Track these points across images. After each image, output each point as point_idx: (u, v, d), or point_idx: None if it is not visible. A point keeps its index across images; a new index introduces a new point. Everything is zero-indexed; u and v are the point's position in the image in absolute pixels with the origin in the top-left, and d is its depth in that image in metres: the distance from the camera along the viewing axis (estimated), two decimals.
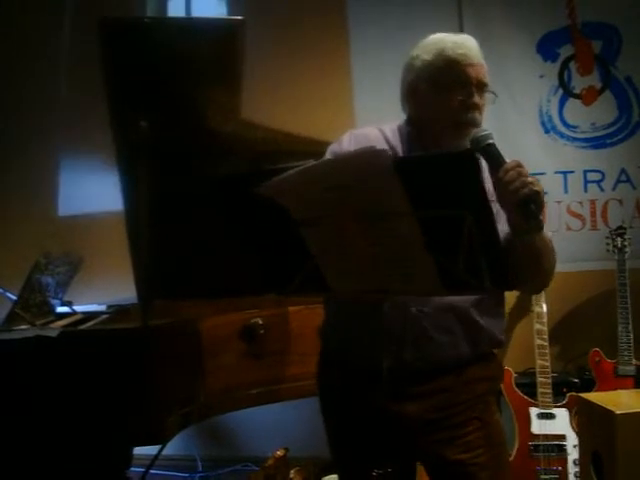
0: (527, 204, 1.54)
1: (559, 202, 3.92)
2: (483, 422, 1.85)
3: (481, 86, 1.78)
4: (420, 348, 1.78)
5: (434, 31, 4.09)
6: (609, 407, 2.64)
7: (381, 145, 1.85)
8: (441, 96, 1.77)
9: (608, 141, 3.88)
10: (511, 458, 3.24)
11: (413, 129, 1.88)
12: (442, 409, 1.82)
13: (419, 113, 1.86)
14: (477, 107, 1.76)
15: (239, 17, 2.81)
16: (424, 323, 1.78)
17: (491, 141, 1.61)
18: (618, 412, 2.58)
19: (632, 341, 3.36)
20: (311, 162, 1.72)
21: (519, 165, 1.57)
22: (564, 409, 3.30)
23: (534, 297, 3.44)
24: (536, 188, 1.56)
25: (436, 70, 1.78)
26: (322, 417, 2.01)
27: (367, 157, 1.37)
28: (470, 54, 1.78)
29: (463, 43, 1.80)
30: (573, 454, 3.20)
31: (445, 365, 1.81)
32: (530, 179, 1.56)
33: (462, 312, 1.80)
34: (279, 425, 3.97)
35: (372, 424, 1.80)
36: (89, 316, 3.03)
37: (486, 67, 1.80)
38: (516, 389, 3.37)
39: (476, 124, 1.73)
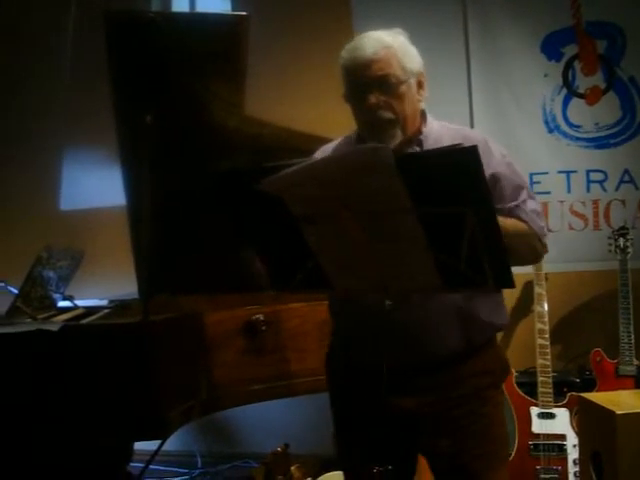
0: None
1: (562, 202, 3.92)
2: (480, 415, 1.87)
3: (380, 80, 1.78)
4: (411, 340, 1.79)
5: (438, 31, 4.09)
6: (610, 407, 2.64)
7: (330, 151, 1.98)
8: (351, 103, 1.86)
9: (611, 141, 3.87)
10: (511, 457, 3.24)
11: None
12: (439, 404, 1.84)
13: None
14: (378, 106, 1.78)
15: (243, 12, 2.81)
16: (403, 318, 1.77)
17: None
18: (619, 412, 2.58)
19: (633, 341, 3.36)
20: (313, 159, 1.72)
21: None
22: (564, 409, 3.29)
23: (536, 296, 3.44)
24: None
25: (343, 81, 1.86)
26: (331, 412, 2.04)
27: (369, 154, 1.37)
28: (360, 54, 1.79)
29: (354, 46, 1.82)
30: (573, 454, 3.19)
31: (438, 357, 1.83)
32: None
33: (447, 299, 1.80)
34: (280, 421, 3.97)
35: (373, 419, 1.80)
36: (90, 310, 3.03)
37: (387, 56, 1.79)
38: (517, 388, 3.37)
39: (385, 121, 1.79)
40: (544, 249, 1.91)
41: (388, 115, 1.80)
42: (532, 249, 1.82)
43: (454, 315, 1.82)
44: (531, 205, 1.86)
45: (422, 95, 1.87)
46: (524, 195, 1.85)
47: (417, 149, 1.86)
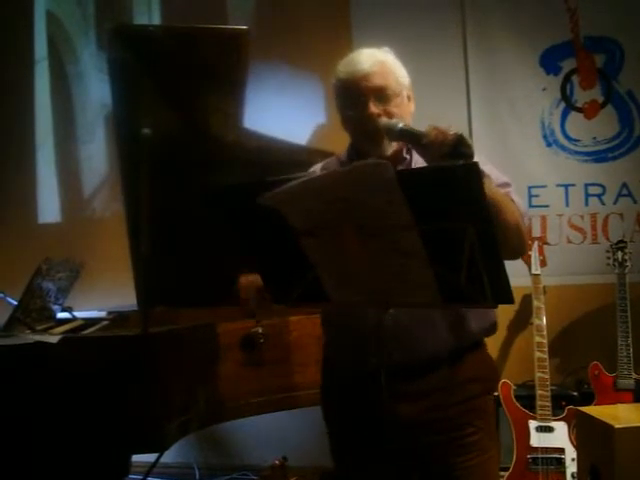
0: (457, 146, 1.58)
1: (560, 215, 3.93)
2: (477, 427, 1.90)
3: (379, 90, 1.84)
4: (401, 342, 1.81)
5: (437, 45, 4.10)
6: (608, 421, 2.63)
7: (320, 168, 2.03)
8: (346, 114, 1.90)
9: (610, 155, 3.89)
10: (509, 471, 3.24)
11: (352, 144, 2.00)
12: (437, 410, 1.86)
13: (346, 130, 1.96)
14: (377, 115, 1.83)
15: (244, 26, 2.83)
16: (400, 317, 1.80)
17: (401, 124, 1.74)
18: (617, 426, 2.57)
19: (631, 355, 3.36)
20: (313, 173, 1.74)
21: (435, 127, 1.64)
22: (563, 422, 3.29)
23: (534, 310, 3.44)
24: (456, 132, 1.60)
25: (337, 93, 1.92)
26: (325, 423, 2.05)
27: (370, 170, 1.38)
28: (358, 67, 1.86)
29: (350, 61, 1.90)
30: (571, 467, 3.19)
31: (433, 356, 1.85)
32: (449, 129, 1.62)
33: None
34: (278, 434, 3.96)
35: (370, 427, 1.83)
36: (89, 322, 3.03)
37: (383, 70, 1.86)
38: (515, 401, 3.37)
39: (383, 130, 1.82)
40: (527, 235, 1.89)
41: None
42: (517, 224, 1.75)
43: (441, 315, 1.85)
44: (516, 199, 1.87)
45: (411, 108, 1.94)
46: (509, 189, 1.87)
47: (407, 157, 1.92)
